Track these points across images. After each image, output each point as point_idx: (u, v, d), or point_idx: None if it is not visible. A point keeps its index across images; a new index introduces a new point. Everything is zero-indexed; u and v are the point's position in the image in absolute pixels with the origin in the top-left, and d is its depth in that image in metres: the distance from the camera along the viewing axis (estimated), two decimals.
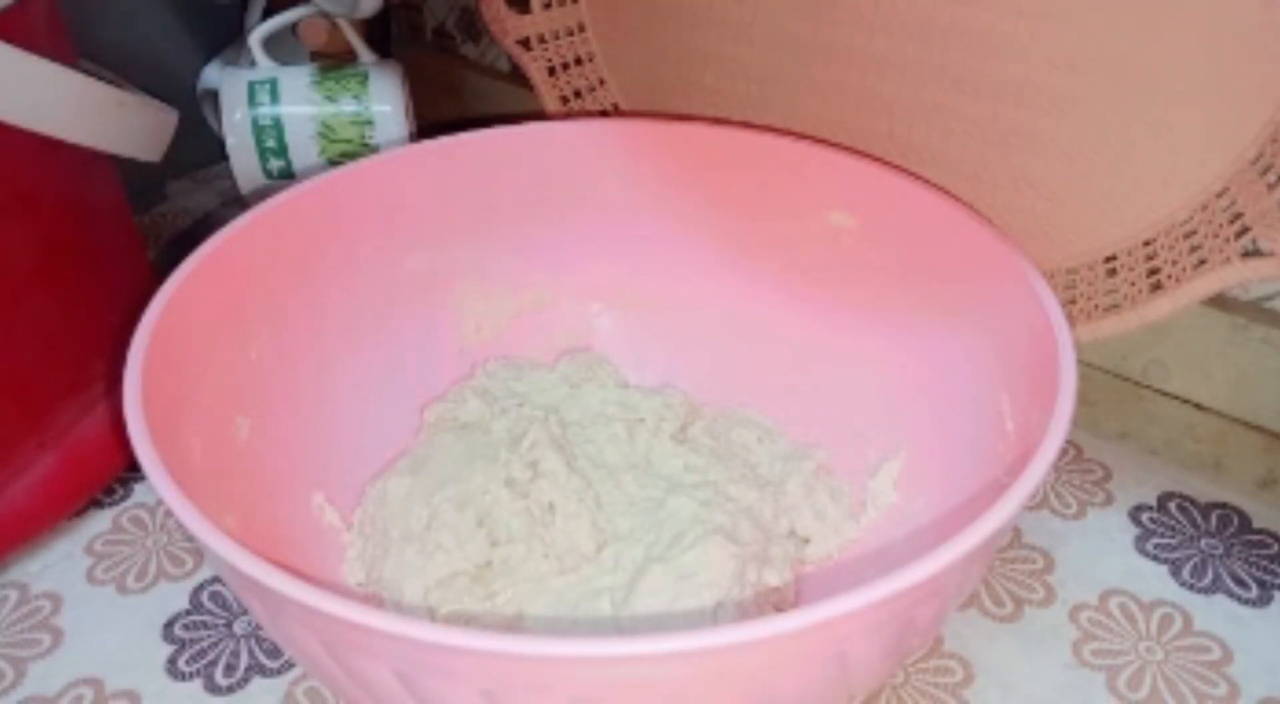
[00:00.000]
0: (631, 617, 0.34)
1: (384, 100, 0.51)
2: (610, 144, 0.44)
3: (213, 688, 0.36)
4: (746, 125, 0.43)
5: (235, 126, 0.50)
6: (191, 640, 0.38)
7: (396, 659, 0.24)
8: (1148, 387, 0.45)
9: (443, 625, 0.22)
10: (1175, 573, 0.40)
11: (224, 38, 0.60)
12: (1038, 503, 0.43)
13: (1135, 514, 0.43)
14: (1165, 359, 0.44)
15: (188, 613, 0.39)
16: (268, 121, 0.50)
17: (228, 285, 0.36)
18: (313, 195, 0.39)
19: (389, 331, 0.42)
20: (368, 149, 0.51)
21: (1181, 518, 0.43)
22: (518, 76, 0.59)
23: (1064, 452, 0.45)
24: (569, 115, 0.52)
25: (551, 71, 0.52)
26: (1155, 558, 0.41)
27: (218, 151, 0.53)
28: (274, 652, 0.37)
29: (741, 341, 0.44)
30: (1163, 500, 0.44)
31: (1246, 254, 0.35)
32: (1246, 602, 0.39)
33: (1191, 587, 0.40)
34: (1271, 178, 0.35)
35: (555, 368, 0.45)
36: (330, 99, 0.51)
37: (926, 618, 0.27)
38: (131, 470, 0.44)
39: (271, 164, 0.51)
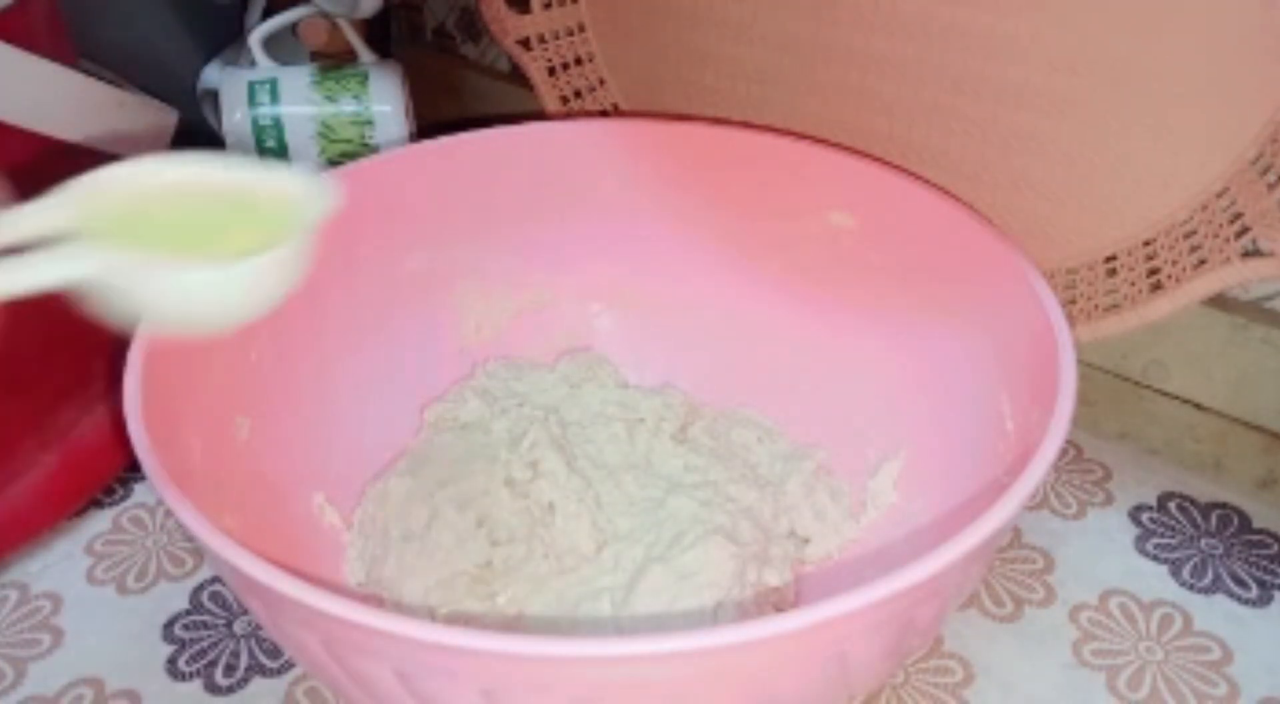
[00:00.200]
0: (631, 617, 0.34)
1: (384, 100, 0.51)
2: (610, 144, 0.43)
3: (213, 688, 0.36)
4: (746, 125, 0.43)
5: (235, 126, 0.50)
6: (191, 640, 0.38)
7: (396, 659, 0.24)
8: (1148, 387, 0.45)
9: (443, 625, 0.22)
10: (1175, 573, 0.40)
11: (224, 38, 0.60)
12: (1038, 503, 0.43)
13: (1135, 514, 0.43)
14: (1165, 359, 0.44)
15: (188, 613, 0.39)
16: (268, 121, 0.50)
17: None
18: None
19: (389, 331, 0.42)
20: (368, 149, 0.51)
21: (1181, 518, 0.43)
22: (518, 76, 0.59)
23: (1064, 452, 0.45)
24: (569, 115, 0.52)
25: (551, 71, 0.52)
26: (1155, 558, 0.41)
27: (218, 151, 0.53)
28: (274, 652, 0.37)
29: (741, 342, 0.44)
30: (1163, 500, 0.44)
31: (1246, 254, 0.35)
32: (1246, 602, 0.39)
33: (1191, 587, 0.40)
34: (1271, 178, 0.35)
35: (555, 368, 0.45)
36: (330, 99, 0.51)
37: (926, 618, 0.27)
38: (131, 470, 0.44)
39: None
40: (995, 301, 0.35)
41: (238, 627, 0.38)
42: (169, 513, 0.41)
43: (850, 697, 0.33)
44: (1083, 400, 0.46)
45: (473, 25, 0.63)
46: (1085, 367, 0.45)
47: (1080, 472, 0.45)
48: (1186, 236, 0.38)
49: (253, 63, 0.52)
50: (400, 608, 0.35)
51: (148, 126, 0.40)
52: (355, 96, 0.51)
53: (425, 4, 0.65)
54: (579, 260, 0.45)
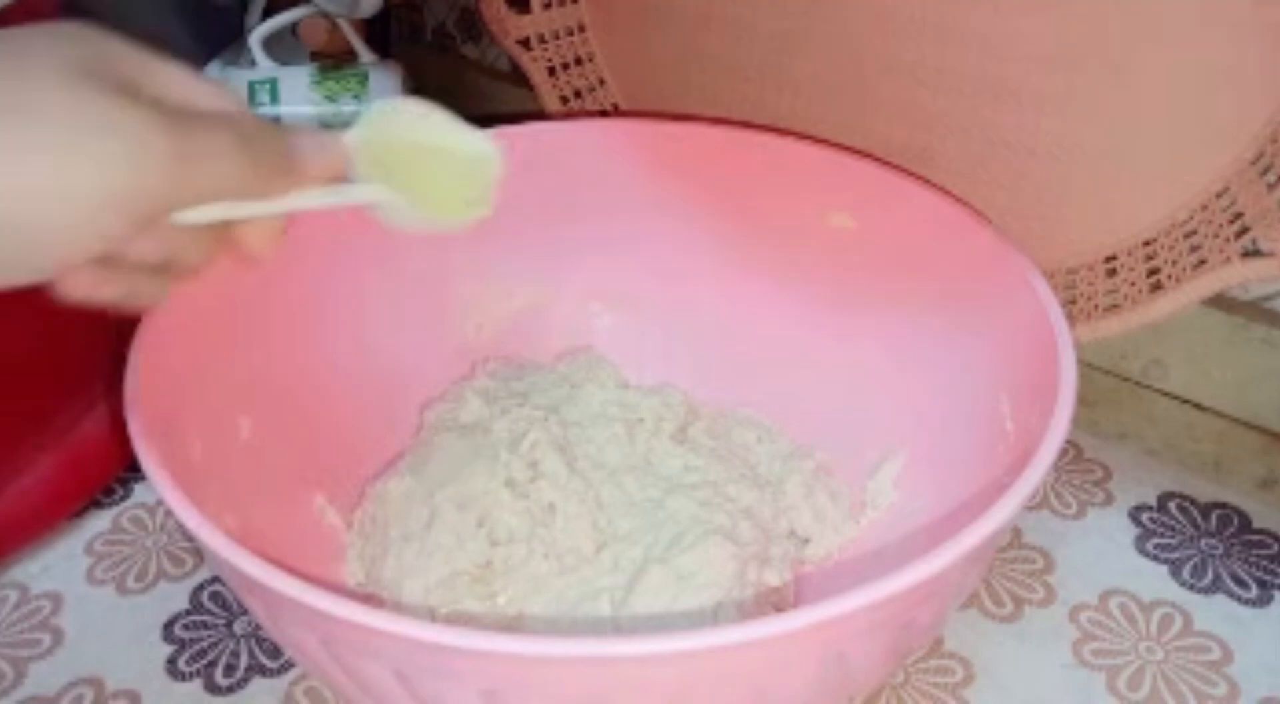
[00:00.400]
0: (631, 617, 0.34)
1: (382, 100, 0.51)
2: (610, 144, 0.43)
3: (213, 688, 0.36)
4: (746, 125, 0.43)
5: None
6: (191, 640, 0.38)
7: (396, 659, 0.24)
8: (1148, 387, 0.45)
9: (443, 625, 0.22)
10: (1175, 573, 0.40)
11: (224, 38, 0.60)
12: (1038, 503, 0.43)
13: (1135, 514, 0.43)
14: (1165, 359, 0.44)
15: (188, 613, 0.39)
16: None
17: (228, 285, 0.36)
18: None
19: (389, 331, 0.42)
20: None
21: (1181, 518, 0.43)
22: (518, 76, 0.59)
23: (1064, 452, 0.45)
24: (569, 115, 0.52)
25: (551, 71, 0.52)
26: (1155, 558, 0.41)
27: None
28: (274, 652, 0.37)
29: (741, 342, 0.44)
30: (1163, 500, 0.44)
31: (1246, 254, 0.35)
32: (1246, 602, 0.39)
33: (1191, 587, 0.40)
34: (1271, 178, 0.35)
35: (555, 368, 0.45)
36: (330, 99, 0.51)
37: (926, 618, 0.27)
38: (131, 470, 0.44)
39: None
40: (995, 302, 0.35)
41: (238, 627, 0.38)
42: (169, 513, 0.41)
43: (850, 697, 0.33)
44: (1083, 400, 0.46)
45: (473, 25, 0.63)
46: (1085, 367, 0.45)
47: (1080, 472, 0.45)
48: (1186, 236, 0.38)
49: (253, 63, 0.52)
50: (400, 608, 0.35)
51: None
52: (355, 96, 0.51)
53: (425, 4, 0.65)
54: (579, 260, 0.45)
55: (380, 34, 0.64)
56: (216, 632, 0.38)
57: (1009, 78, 0.39)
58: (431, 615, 0.35)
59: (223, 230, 0.28)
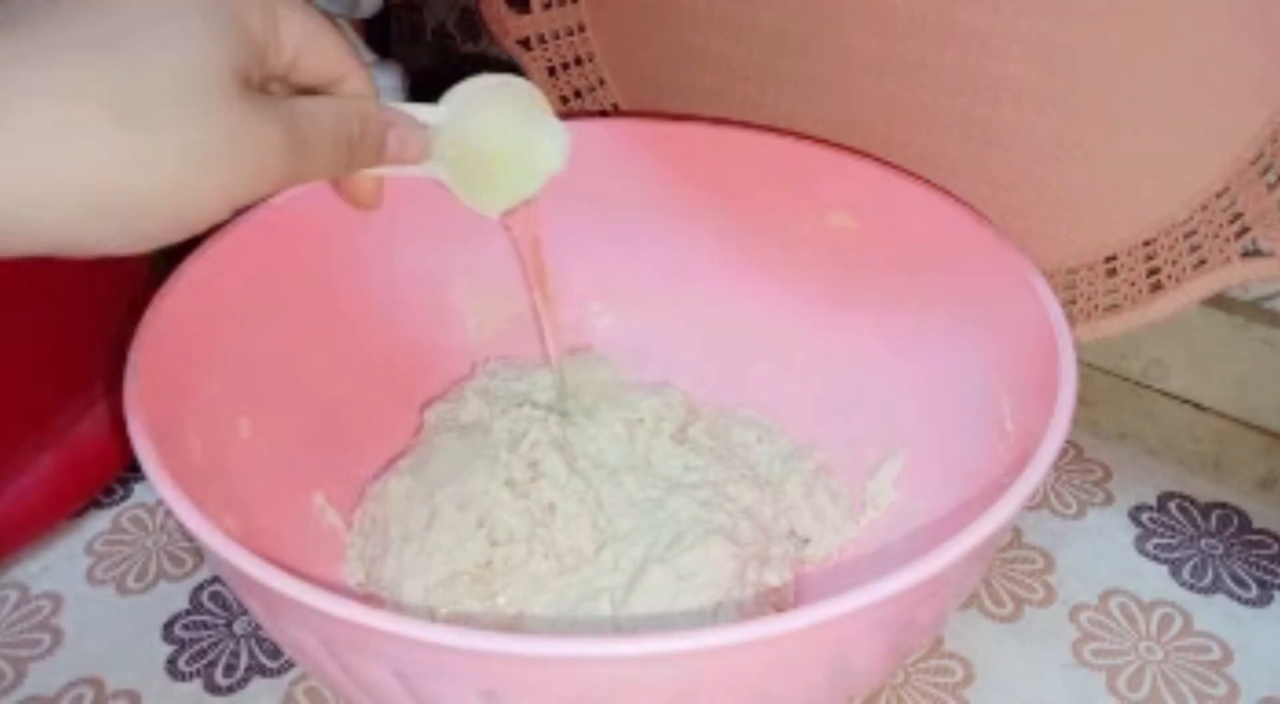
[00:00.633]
0: (631, 617, 0.34)
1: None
2: (610, 144, 0.43)
3: (213, 688, 0.36)
4: (746, 125, 0.43)
5: None
6: (191, 640, 0.38)
7: (396, 659, 0.24)
8: (1148, 387, 0.45)
9: (443, 625, 0.22)
10: (1175, 573, 0.40)
11: None
12: (1038, 503, 0.43)
13: (1135, 514, 0.43)
14: (1165, 359, 0.44)
15: (188, 613, 0.39)
16: None
17: (228, 285, 0.36)
18: (313, 195, 0.39)
19: (389, 331, 0.42)
20: None
21: (1181, 518, 0.43)
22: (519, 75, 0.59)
23: (1064, 452, 0.45)
24: (569, 115, 0.52)
25: (551, 71, 0.52)
26: (1155, 558, 0.41)
27: None
28: (274, 652, 0.37)
29: (741, 341, 0.44)
30: (1163, 500, 0.44)
31: (1246, 254, 0.35)
32: (1246, 602, 0.39)
33: (1191, 587, 0.40)
34: (1271, 178, 0.35)
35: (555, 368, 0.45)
36: None
37: (926, 618, 0.27)
38: (131, 470, 0.44)
39: None
40: (995, 301, 0.35)
41: (238, 627, 0.38)
42: (169, 513, 0.41)
43: (850, 697, 0.33)
44: (1083, 400, 0.46)
45: (473, 25, 0.63)
46: (1085, 367, 0.45)
47: (1080, 472, 0.45)
48: (1186, 236, 0.38)
49: None
50: (400, 608, 0.35)
51: None
52: None
53: (425, 4, 0.65)
54: (579, 260, 0.45)
55: (380, 34, 0.64)
56: (216, 632, 0.38)
57: (1009, 78, 0.39)
58: (431, 615, 0.35)
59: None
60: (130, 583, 0.40)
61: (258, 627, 0.38)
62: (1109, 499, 0.44)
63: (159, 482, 0.26)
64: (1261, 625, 0.38)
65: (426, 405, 0.43)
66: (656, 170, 0.44)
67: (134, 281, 0.43)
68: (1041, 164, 0.40)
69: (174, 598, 0.39)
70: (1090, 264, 0.41)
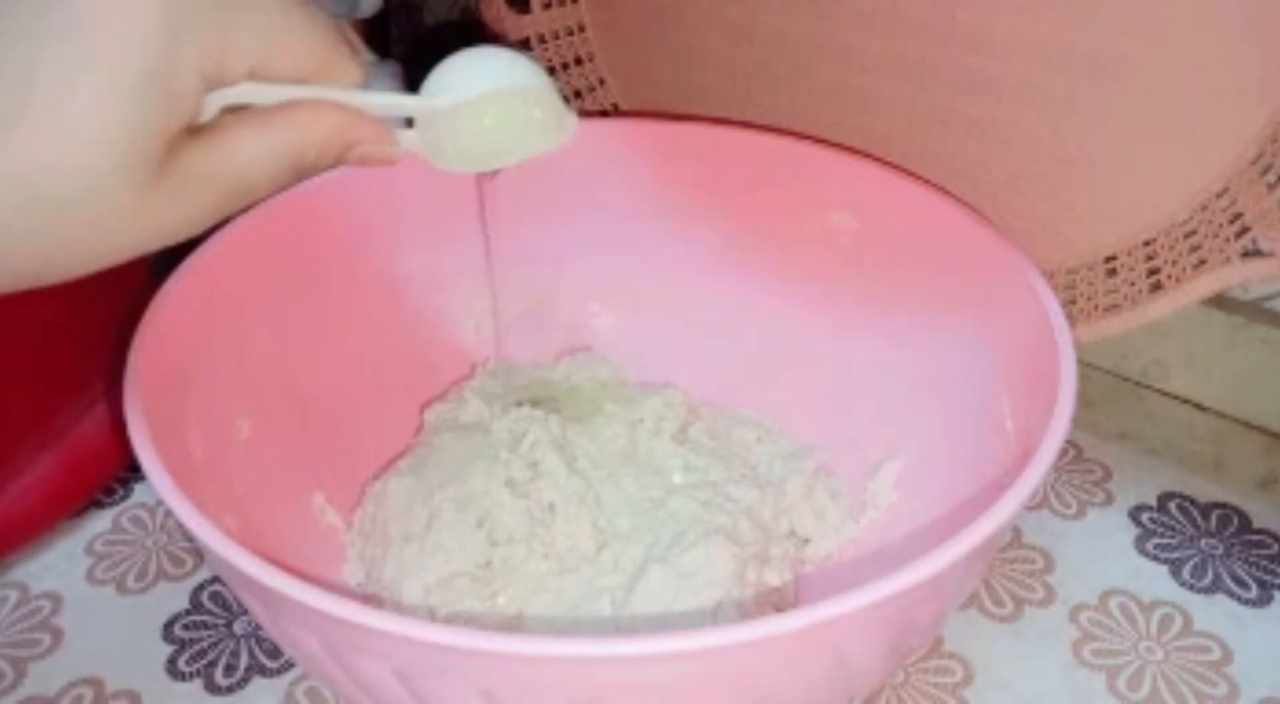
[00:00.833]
0: (631, 617, 0.34)
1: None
2: (610, 144, 0.43)
3: (213, 688, 0.36)
4: (746, 125, 0.43)
5: None
6: (191, 640, 0.38)
7: (396, 659, 0.24)
8: (1148, 387, 0.45)
9: (443, 625, 0.22)
10: (1175, 573, 0.40)
11: None
12: (1038, 503, 0.43)
13: (1135, 514, 0.43)
14: (1165, 359, 0.44)
15: (188, 613, 0.39)
16: None
17: (228, 285, 0.36)
18: (313, 195, 0.39)
19: (389, 331, 0.42)
20: None
21: (1181, 518, 0.43)
22: None
23: (1064, 452, 0.45)
24: None
25: (551, 71, 0.52)
26: (1155, 558, 0.41)
27: None
28: (274, 652, 0.37)
29: (741, 341, 0.44)
30: (1163, 500, 0.44)
31: (1246, 254, 0.35)
32: (1246, 602, 0.39)
33: (1191, 587, 0.40)
34: (1271, 178, 0.35)
35: (555, 368, 0.45)
36: None
37: (926, 618, 0.27)
38: (131, 470, 0.44)
39: None
40: (995, 301, 0.35)
41: (238, 627, 0.38)
42: (169, 513, 0.41)
43: (850, 697, 0.33)
44: (1083, 400, 0.46)
45: (473, 25, 0.63)
46: (1085, 367, 0.45)
47: (1080, 472, 0.45)
48: (1186, 236, 0.38)
49: None
50: (400, 608, 0.35)
51: None
52: None
53: (425, 4, 0.65)
54: (578, 260, 0.45)
55: (380, 34, 0.64)
56: (216, 632, 0.38)
57: (1009, 77, 0.39)
58: (431, 615, 0.35)
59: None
60: (130, 583, 0.40)
61: (258, 627, 0.38)
62: (1109, 499, 0.44)
63: (159, 482, 0.26)
64: (1261, 625, 0.38)
65: (426, 405, 0.43)
66: (656, 170, 0.44)
67: (134, 282, 0.43)
68: (1041, 164, 0.40)
69: (174, 598, 0.39)
70: (1090, 264, 0.41)
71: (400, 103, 0.29)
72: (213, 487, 0.31)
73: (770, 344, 0.44)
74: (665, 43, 0.48)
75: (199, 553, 0.41)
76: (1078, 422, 0.40)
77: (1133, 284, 0.39)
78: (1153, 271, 0.39)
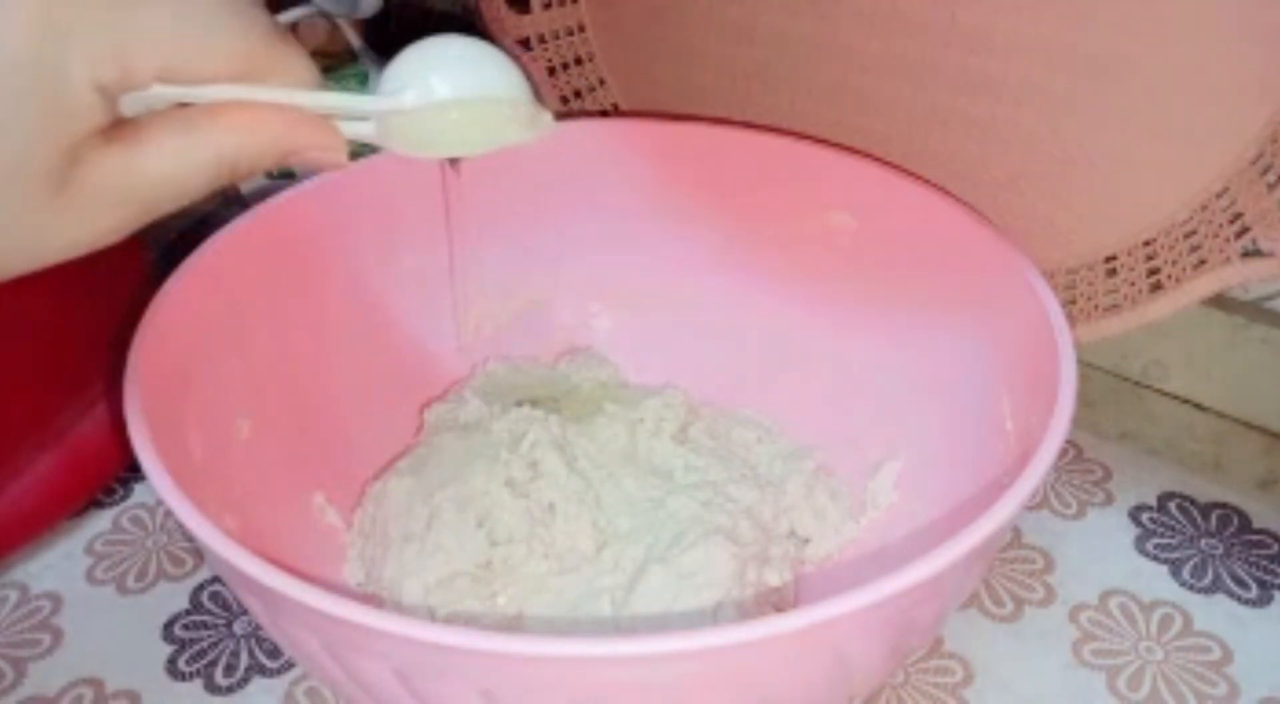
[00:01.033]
0: (631, 617, 0.34)
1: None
2: (610, 144, 0.43)
3: (213, 688, 0.36)
4: (746, 125, 0.43)
5: None
6: (191, 640, 0.38)
7: (396, 659, 0.24)
8: (1148, 387, 0.45)
9: (443, 625, 0.22)
10: (1175, 573, 0.40)
11: None
12: (1038, 503, 0.43)
13: (1135, 514, 0.43)
14: (1165, 359, 0.44)
15: (188, 613, 0.39)
16: None
17: (228, 285, 0.36)
18: (313, 195, 0.39)
19: (389, 331, 0.42)
20: (368, 149, 0.51)
21: (1181, 518, 0.43)
22: None
23: (1064, 452, 0.45)
24: (569, 115, 0.52)
25: (551, 71, 0.52)
26: (1155, 558, 0.41)
27: None
28: (274, 652, 0.37)
29: (741, 341, 0.44)
30: (1163, 500, 0.44)
31: (1246, 254, 0.35)
32: (1246, 602, 0.39)
33: (1191, 587, 0.40)
34: (1271, 178, 0.35)
35: (555, 368, 0.45)
36: None
37: (926, 618, 0.27)
38: (131, 470, 0.44)
39: None
40: (995, 302, 0.35)
41: (238, 627, 0.38)
42: (169, 513, 0.41)
43: (850, 697, 0.33)
44: (1083, 400, 0.46)
45: (474, 23, 0.63)
46: (1085, 367, 0.45)
47: (1080, 472, 0.45)
48: (1186, 236, 0.38)
49: None
50: (400, 608, 0.35)
51: None
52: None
53: (425, 4, 0.65)
54: (578, 260, 0.45)
55: (380, 34, 0.64)
56: (216, 632, 0.38)
57: (1009, 77, 0.39)
58: (431, 615, 0.35)
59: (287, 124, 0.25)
60: (130, 583, 0.40)
61: (258, 627, 0.38)
62: (1109, 499, 0.44)
63: (159, 482, 0.26)
64: (1261, 625, 0.38)
65: (426, 405, 0.43)
66: (656, 170, 0.44)
67: (134, 282, 0.43)
68: (1041, 164, 0.40)
69: (174, 598, 0.39)
70: (1090, 264, 0.41)
71: (355, 104, 0.27)
72: (213, 487, 0.31)
73: (770, 344, 0.44)
74: (665, 43, 0.48)
75: (199, 553, 0.41)
76: (1078, 422, 0.40)
77: (1133, 284, 0.39)
78: (1153, 271, 0.39)
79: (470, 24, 0.57)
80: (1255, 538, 0.42)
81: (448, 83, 0.27)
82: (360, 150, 0.52)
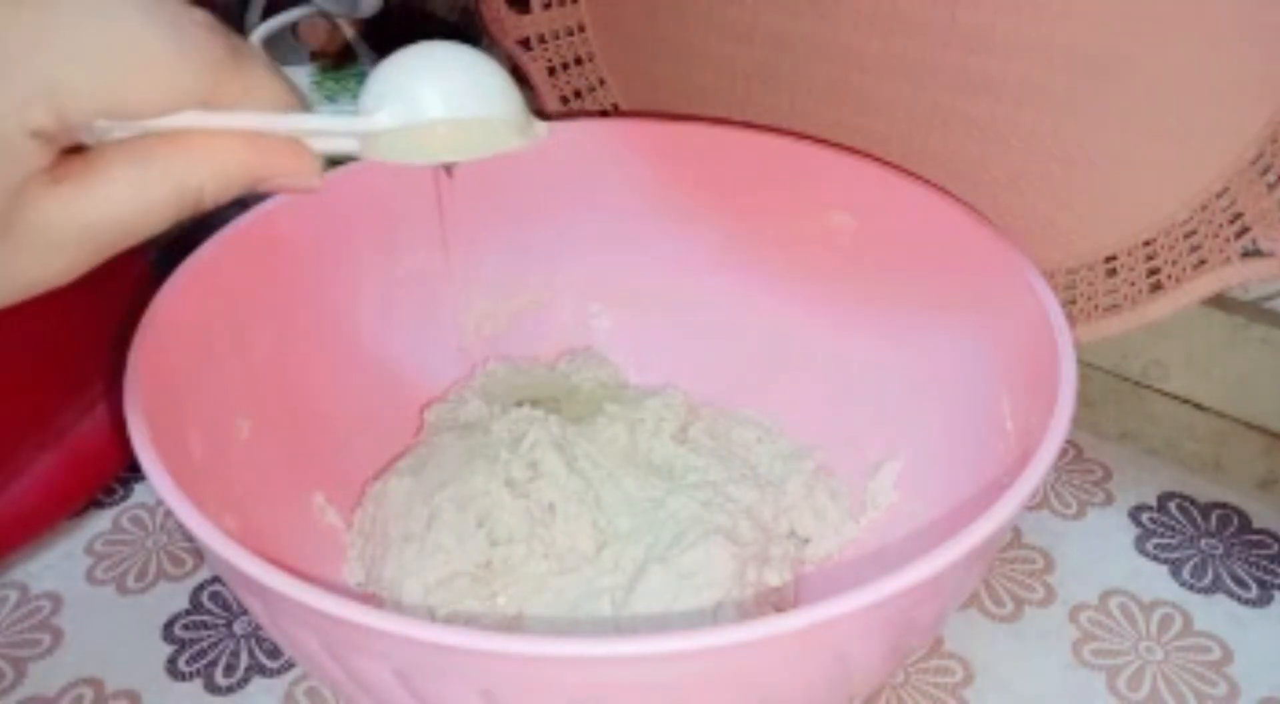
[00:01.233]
0: (631, 617, 0.34)
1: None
2: (610, 144, 0.43)
3: (213, 688, 0.36)
4: (746, 125, 0.43)
5: None
6: (191, 640, 0.38)
7: (396, 659, 0.24)
8: (1148, 387, 0.45)
9: (443, 625, 0.22)
10: (1175, 573, 0.40)
11: None
12: (1038, 503, 0.43)
13: (1135, 514, 0.43)
14: (1165, 359, 0.44)
15: (188, 613, 0.39)
16: None
17: (227, 285, 0.36)
18: (313, 197, 0.39)
19: (389, 331, 0.42)
20: None
21: (1181, 518, 0.43)
22: (518, 76, 0.59)
23: (1064, 452, 0.45)
24: (569, 115, 0.52)
25: (551, 71, 0.52)
26: (1155, 558, 0.41)
27: None
28: (274, 652, 0.37)
29: (741, 341, 0.44)
30: (1163, 500, 0.44)
31: (1246, 254, 0.35)
32: (1246, 602, 0.39)
33: (1191, 587, 0.40)
34: (1271, 178, 0.35)
35: (555, 368, 0.45)
36: (330, 99, 0.51)
37: (926, 618, 0.27)
38: (131, 470, 0.44)
39: None
40: (995, 301, 0.35)
41: (238, 627, 0.38)
42: (169, 513, 0.41)
43: (850, 697, 0.33)
44: (1083, 400, 0.46)
45: (473, 25, 0.63)
46: (1085, 367, 0.45)
47: (1080, 472, 0.45)
48: (1186, 236, 0.38)
49: None
50: (400, 608, 0.35)
51: None
52: (355, 96, 0.51)
53: (425, 4, 0.65)
54: (578, 260, 0.45)
55: (380, 34, 0.64)
56: (216, 632, 0.38)
57: (1009, 77, 0.39)
58: (431, 615, 0.35)
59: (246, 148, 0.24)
60: (130, 583, 0.40)
61: (258, 627, 0.38)
62: (1109, 499, 0.44)
63: (159, 482, 0.26)
64: (1261, 625, 0.38)
65: (426, 405, 0.43)
66: (656, 170, 0.44)
67: (134, 282, 0.43)
68: (1041, 164, 0.40)
69: (174, 598, 0.39)
70: (1090, 264, 0.41)
71: (333, 125, 0.26)
72: (213, 487, 0.31)
73: (770, 344, 0.44)
74: (665, 43, 0.48)
75: (199, 553, 0.41)
76: (1078, 422, 0.40)
77: (1133, 284, 0.39)
78: (1153, 271, 0.39)
79: (470, 29, 0.57)
80: (1255, 538, 0.42)
81: (434, 100, 0.26)
82: None
